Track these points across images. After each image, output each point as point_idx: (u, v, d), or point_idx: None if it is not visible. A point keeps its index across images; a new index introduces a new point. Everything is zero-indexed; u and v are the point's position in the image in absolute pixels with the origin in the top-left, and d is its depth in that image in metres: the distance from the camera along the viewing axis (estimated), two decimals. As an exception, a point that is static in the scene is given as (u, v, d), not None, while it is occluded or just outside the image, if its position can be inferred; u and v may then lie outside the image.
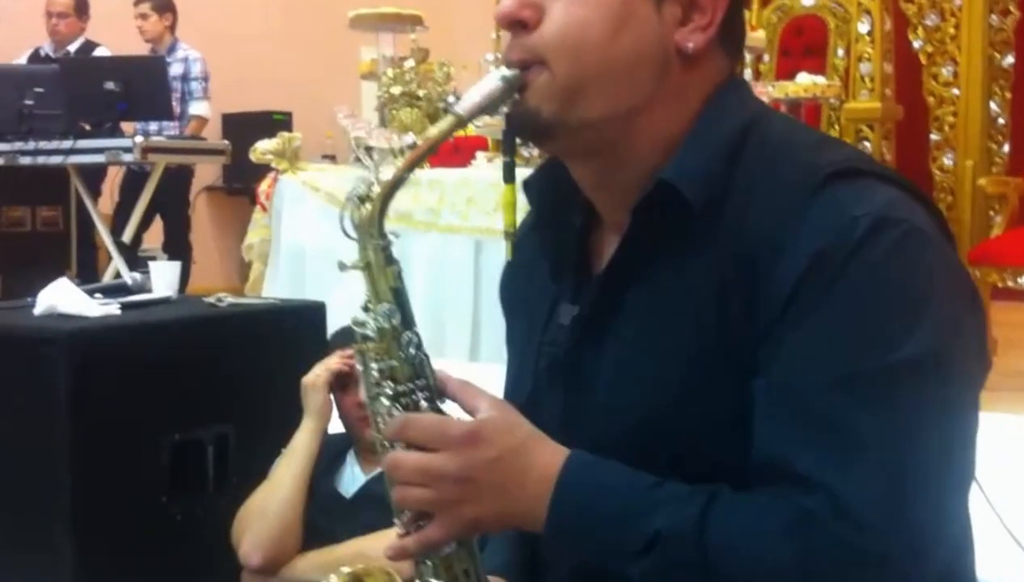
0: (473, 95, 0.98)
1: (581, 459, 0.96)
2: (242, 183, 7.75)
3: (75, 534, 2.04)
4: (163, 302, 2.53)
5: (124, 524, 2.14)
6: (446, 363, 2.34)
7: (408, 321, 1.00)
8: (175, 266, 2.66)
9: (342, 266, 1.01)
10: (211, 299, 2.56)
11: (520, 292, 1.16)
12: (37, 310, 2.28)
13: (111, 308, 2.31)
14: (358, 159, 4.64)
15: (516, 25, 0.97)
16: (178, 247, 6.31)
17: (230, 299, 2.58)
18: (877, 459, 0.87)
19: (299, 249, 4.48)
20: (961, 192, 5.09)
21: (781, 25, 5.37)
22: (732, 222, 0.95)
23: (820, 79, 4.37)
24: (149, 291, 2.62)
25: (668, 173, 0.98)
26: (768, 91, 3.96)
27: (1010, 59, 5.15)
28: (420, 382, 0.99)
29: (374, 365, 1.00)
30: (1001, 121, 5.17)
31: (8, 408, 2.14)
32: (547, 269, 1.10)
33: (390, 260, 1.00)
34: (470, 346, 4.07)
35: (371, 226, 0.99)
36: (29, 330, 2.19)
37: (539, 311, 1.11)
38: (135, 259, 5.92)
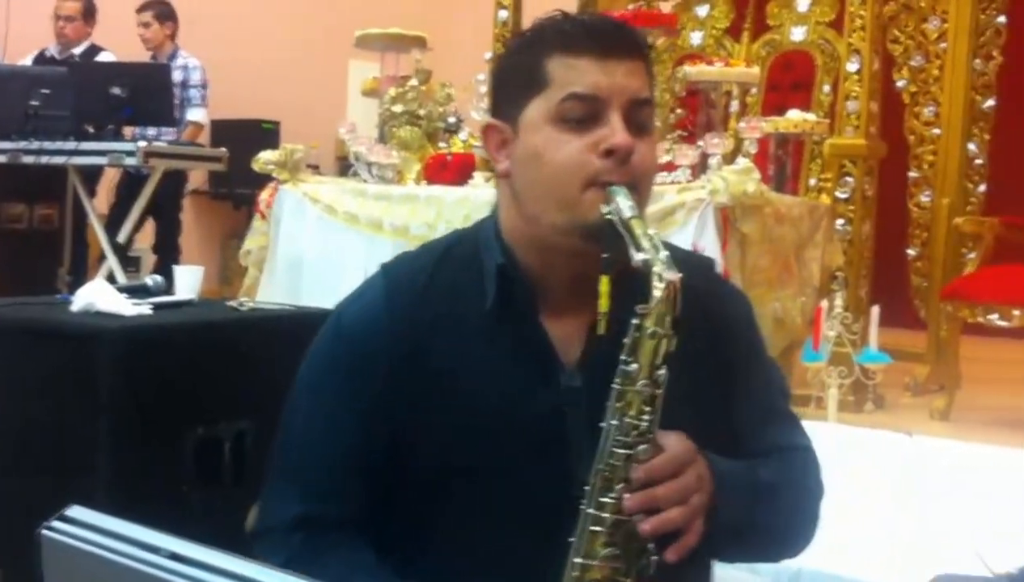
0: None
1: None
2: (227, 188, 7.87)
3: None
4: (187, 304, 2.65)
5: (151, 512, 2.25)
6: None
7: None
8: (198, 271, 2.77)
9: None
10: (233, 303, 2.68)
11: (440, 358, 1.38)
12: (75, 307, 2.39)
13: (144, 308, 2.43)
14: (356, 173, 4.76)
15: None
16: (168, 249, 6.43)
17: (250, 303, 2.70)
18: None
19: (296, 258, 4.59)
20: (936, 229, 5.26)
21: (770, 60, 5.53)
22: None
23: (810, 116, 4.52)
24: (169, 293, 2.74)
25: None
26: (761, 126, 4.11)
27: (991, 102, 5.33)
28: (650, 435, 1.24)
29: (629, 420, 1.22)
30: (979, 162, 5.34)
31: (50, 400, 2.25)
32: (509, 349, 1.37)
33: (676, 331, 1.22)
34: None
35: (674, 302, 1.21)
36: (74, 327, 2.30)
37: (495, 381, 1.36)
38: (126, 259, 6.03)
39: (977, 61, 5.27)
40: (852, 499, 2.29)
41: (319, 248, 4.54)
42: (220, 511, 2.40)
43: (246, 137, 7.06)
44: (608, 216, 1.26)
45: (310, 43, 8.35)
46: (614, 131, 1.31)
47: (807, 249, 4.25)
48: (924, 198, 5.41)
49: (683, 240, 3.84)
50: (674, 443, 1.25)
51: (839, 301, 4.10)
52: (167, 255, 6.31)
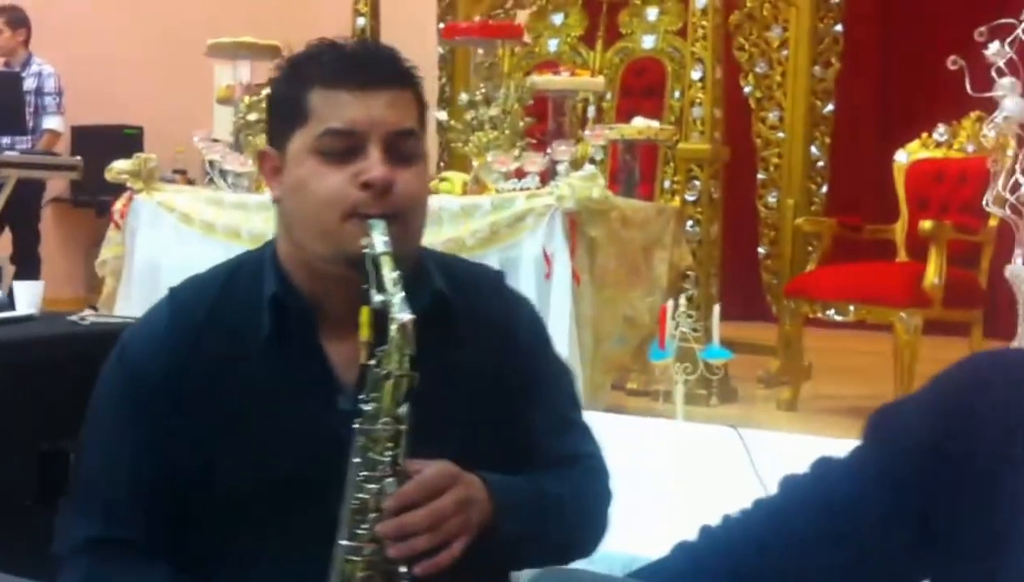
0: None
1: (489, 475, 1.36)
2: (89, 196, 7.76)
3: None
4: (27, 319, 2.66)
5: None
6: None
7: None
8: (38, 286, 2.78)
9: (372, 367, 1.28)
10: (74, 317, 2.70)
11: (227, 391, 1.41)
12: (-92, 325, 2.39)
13: (-20, 325, 2.44)
14: (212, 181, 4.77)
15: None
16: (28, 259, 6.34)
17: (92, 317, 2.72)
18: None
19: (153, 267, 4.59)
20: (783, 229, 5.46)
21: (623, 66, 5.67)
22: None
23: (654, 123, 4.68)
24: (11, 308, 2.74)
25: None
26: (605, 133, 4.24)
27: (831, 107, 5.55)
28: (398, 468, 1.29)
29: (373, 457, 1.28)
30: (821, 164, 5.55)
31: None
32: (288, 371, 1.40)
33: (414, 367, 1.27)
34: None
35: (408, 342, 1.26)
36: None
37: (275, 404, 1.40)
38: (-19, 271, 5.94)
39: (817, 68, 5.48)
40: (677, 490, 2.42)
41: (176, 257, 4.54)
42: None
43: (108, 143, 6.98)
44: (365, 249, 1.31)
45: (173, 47, 8.25)
46: (372, 164, 1.34)
47: (656, 250, 4.39)
48: (771, 199, 5.60)
49: (534, 245, 3.96)
50: (429, 471, 1.29)
51: (683, 300, 4.25)
52: (27, 265, 6.23)
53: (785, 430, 4.05)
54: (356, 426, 1.28)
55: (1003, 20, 4.14)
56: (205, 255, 4.67)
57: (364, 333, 1.29)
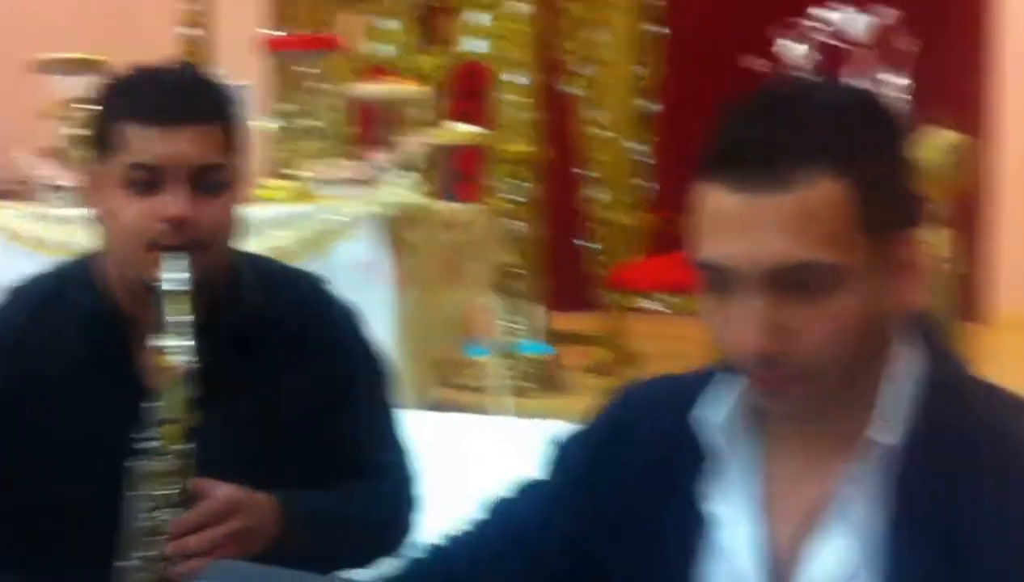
0: None
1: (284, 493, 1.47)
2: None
3: None
4: None
5: None
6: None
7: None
8: None
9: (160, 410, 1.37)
10: None
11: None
12: None
13: None
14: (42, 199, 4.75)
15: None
16: None
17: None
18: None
19: (-18, 284, 4.57)
20: (611, 223, 5.66)
21: (452, 70, 5.79)
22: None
23: (472, 127, 4.79)
24: None
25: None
26: (423, 139, 4.35)
27: (654, 105, 5.75)
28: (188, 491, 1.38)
29: (158, 492, 1.37)
30: (646, 161, 5.75)
31: None
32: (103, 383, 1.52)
33: (191, 410, 1.37)
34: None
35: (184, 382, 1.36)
36: None
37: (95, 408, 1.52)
38: None
39: (638, 68, 5.67)
40: (483, 484, 2.55)
41: (6, 274, 4.51)
42: None
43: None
44: (155, 283, 1.40)
45: (12, 56, 8.11)
46: (169, 200, 1.43)
47: (477, 251, 4.53)
48: (603, 195, 5.78)
49: (358, 251, 4.05)
50: (211, 502, 1.38)
51: (506, 298, 4.38)
52: None
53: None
54: (137, 464, 1.37)
55: (793, 19, 4.36)
56: (36, 270, 4.67)
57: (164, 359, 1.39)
